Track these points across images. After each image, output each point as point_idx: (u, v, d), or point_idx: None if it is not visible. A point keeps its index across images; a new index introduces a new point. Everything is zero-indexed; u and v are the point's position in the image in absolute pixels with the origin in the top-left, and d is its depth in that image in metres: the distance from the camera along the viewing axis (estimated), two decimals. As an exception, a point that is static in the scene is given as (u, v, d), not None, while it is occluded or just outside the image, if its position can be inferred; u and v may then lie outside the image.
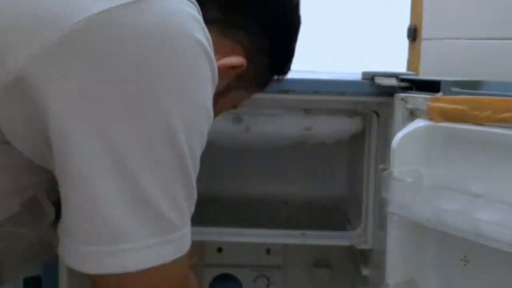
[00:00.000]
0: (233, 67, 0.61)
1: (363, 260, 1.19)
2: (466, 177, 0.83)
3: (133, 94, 0.44)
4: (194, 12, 0.49)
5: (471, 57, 1.19)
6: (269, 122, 1.10)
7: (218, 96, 0.61)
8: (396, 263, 0.89)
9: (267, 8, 0.65)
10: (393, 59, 1.52)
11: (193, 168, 0.49)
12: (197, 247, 0.97)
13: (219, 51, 0.56)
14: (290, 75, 1.03)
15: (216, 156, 1.44)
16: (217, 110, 0.64)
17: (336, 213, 1.29)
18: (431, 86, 0.88)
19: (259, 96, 0.98)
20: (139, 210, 0.45)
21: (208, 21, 0.54)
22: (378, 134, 1.08)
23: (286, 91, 0.97)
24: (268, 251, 1.38)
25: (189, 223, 0.51)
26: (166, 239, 0.47)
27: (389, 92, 0.94)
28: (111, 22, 0.44)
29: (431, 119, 0.85)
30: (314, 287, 1.40)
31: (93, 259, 0.47)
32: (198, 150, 0.50)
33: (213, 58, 0.50)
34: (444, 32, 1.25)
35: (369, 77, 0.96)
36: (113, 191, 0.44)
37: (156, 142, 0.45)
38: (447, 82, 0.87)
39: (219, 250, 1.37)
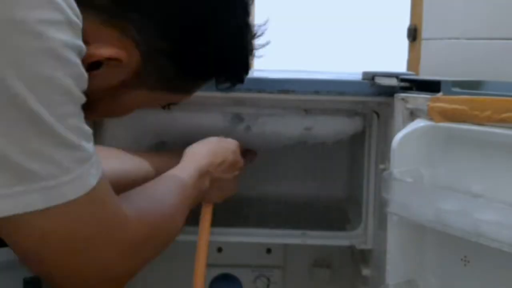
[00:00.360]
0: (113, 59, 0.58)
1: (363, 260, 1.19)
2: (466, 177, 0.83)
3: None
4: None
5: (471, 57, 1.19)
6: (270, 122, 1.10)
7: (112, 91, 0.61)
8: (396, 263, 0.89)
9: (161, 5, 0.60)
10: (393, 59, 1.52)
11: (52, 114, 0.48)
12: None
13: (102, 40, 0.56)
14: (290, 75, 1.03)
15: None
16: (120, 107, 0.65)
17: (336, 213, 1.29)
18: (431, 86, 0.88)
19: (259, 96, 0.99)
20: None
21: (94, 5, 0.54)
22: (378, 134, 1.08)
23: (286, 91, 0.97)
24: (268, 251, 1.38)
25: (74, 169, 0.51)
26: (30, 188, 0.48)
27: (389, 92, 0.94)
28: None
29: (431, 119, 0.85)
30: (314, 287, 1.40)
31: None
32: (53, 93, 0.49)
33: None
34: (444, 32, 1.25)
35: (369, 77, 0.96)
36: None
37: None
38: (447, 82, 0.87)
39: (219, 250, 1.37)
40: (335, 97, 0.98)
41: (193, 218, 1.23)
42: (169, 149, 1.10)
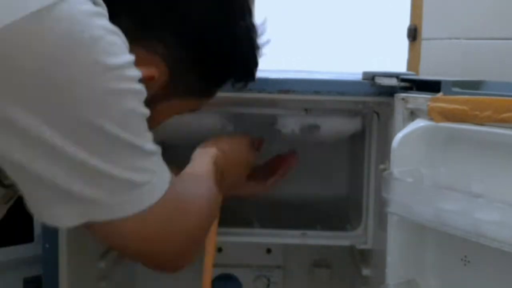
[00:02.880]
0: (146, 78, 0.61)
1: (363, 260, 1.19)
2: (466, 177, 0.83)
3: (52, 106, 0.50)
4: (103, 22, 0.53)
5: (471, 57, 1.19)
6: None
7: (147, 105, 0.64)
8: (396, 263, 0.89)
9: (178, 17, 0.65)
10: (393, 59, 1.52)
11: (128, 131, 0.54)
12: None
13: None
14: (290, 75, 1.03)
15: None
16: (153, 120, 0.67)
17: (336, 213, 1.29)
18: (431, 86, 0.88)
19: (259, 96, 0.99)
20: (93, 180, 0.53)
21: (122, 30, 0.56)
22: (378, 134, 1.08)
23: (286, 91, 0.97)
24: (268, 251, 1.38)
25: (156, 168, 0.58)
26: (132, 193, 0.55)
27: (390, 92, 0.94)
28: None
29: (431, 119, 0.85)
30: (314, 287, 1.40)
31: (67, 217, 0.54)
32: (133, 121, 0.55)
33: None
34: (444, 32, 1.25)
35: (370, 77, 0.96)
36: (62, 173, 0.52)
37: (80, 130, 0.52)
38: (447, 82, 0.87)
39: (219, 250, 1.37)
40: (335, 97, 0.98)
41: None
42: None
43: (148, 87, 0.60)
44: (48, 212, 0.54)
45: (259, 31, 0.75)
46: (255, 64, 0.77)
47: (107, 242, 0.59)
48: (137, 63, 0.57)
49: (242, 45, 0.72)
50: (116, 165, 0.53)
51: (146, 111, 0.57)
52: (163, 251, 0.61)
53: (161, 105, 0.69)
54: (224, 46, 0.69)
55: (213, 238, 0.97)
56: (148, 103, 0.61)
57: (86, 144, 0.52)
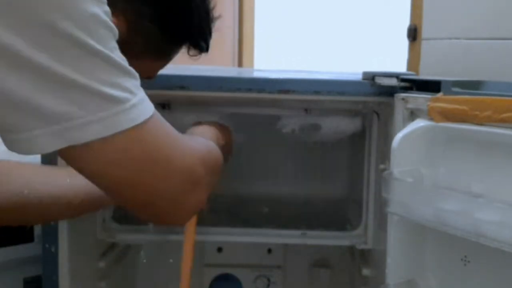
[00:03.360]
0: None
1: (363, 260, 1.19)
2: (467, 177, 0.83)
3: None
4: None
5: (471, 57, 1.20)
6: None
7: None
8: (396, 263, 0.89)
9: None
10: (393, 59, 1.53)
11: (106, 47, 0.51)
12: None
13: None
14: (290, 75, 1.03)
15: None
16: None
17: (336, 213, 1.29)
18: (431, 86, 0.88)
19: (259, 96, 0.99)
20: (62, 92, 0.49)
21: None
22: (379, 134, 1.08)
23: (286, 91, 0.97)
24: (268, 251, 1.38)
25: (139, 93, 0.53)
26: (114, 111, 0.50)
27: (390, 92, 0.94)
28: None
29: (431, 119, 0.85)
30: (314, 287, 1.40)
31: (41, 140, 0.50)
32: (100, 28, 0.51)
33: None
34: (444, 32, 1.25)
35: (370, 77, 0.96)
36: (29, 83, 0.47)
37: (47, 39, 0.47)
38: (447, 82, 0.87)
39: (219, 250, 1.38)
40: (335, 97, 0.98)
41: (197, 217, 1.23)
42: None
43: None
44: (21, 138, 0.50)
45: (211, 4, 0.78)
46: (209, 32, 0.79)
47: (86, 172, 0.54)
48: None
49: (201, 12, 0.75)
50: (86, 75, 0.49)
51: (114, 28, 0.53)
52: (152, 187, 0.56)
53: None
54: (184, 9, 0.72)
55: (191, 238, 0.96)
56: None
57: (50, 49, 0.47)
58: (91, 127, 0.50)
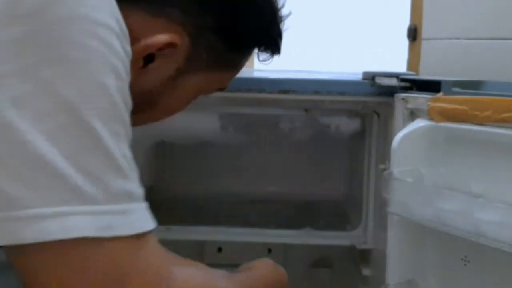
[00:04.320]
0: (168, 45, 0.58)
1: (363, 260, 1.19)
2: (467, 177, 0.83)
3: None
4: None
5: (471, 57, 1.19)
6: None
7: (171, 81, 0.61)
8: (396, 263, 0.89)
9: None
10: (393, 59, 1.53)
11: (110, 137, 0.44)
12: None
13: (148, 32, 0.56)
14: (290, 75, 1.03)
15: (216, 156, 1.44)
16: (180, 97, 0.65)
17: (336, 213, 1.29)
18: (431, 86, 0.88)
19: (259, 96, 0.99)
20: (32, 172, 0.41)
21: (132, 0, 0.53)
22: (378, 134, 1.08)
23: (286, 91, 0.97)
24: (268, 251, 1.38)
25: (123, 202, 0.45)
26: (77, 209, 0.42)
27: (390, 92, 0.94)
28: None
29: (431, 119, 0.85)
30: (314, 287, 1.40)
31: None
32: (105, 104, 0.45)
33: (122, 42, 0.48)
34: (444, 32, 1.25)
35: (370, 77, 0.96)
36: None
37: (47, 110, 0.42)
38: (447, 82, 0.87)
39: (219, 250, 1.37)
40: (335, 97, 0.98)
41: (193, 218, 1.23)
42: None
43: (170, 60, 0.58)
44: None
45: (280, 2, 0.72)
46: (278, 33, 0.73)
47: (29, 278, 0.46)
48: (157, 32, 0.55)
49: (266, 14, 0.69)
50: (69, 159, 0.42)
51: (128, 100, 0.48)
52: None
53: (186, 80, 0.64)
54: (247, 14, 0.67)
55: None
56: (173, 78, 0.60)
57: (37, 118, 0.41)
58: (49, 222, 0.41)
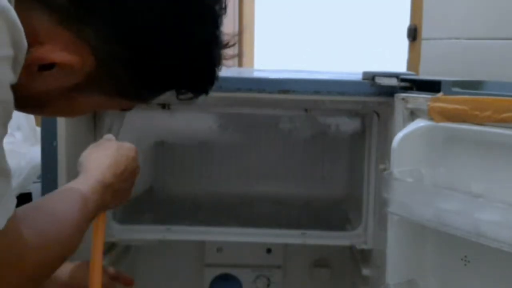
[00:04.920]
0: (65, 65, 0.55)
1: (363, 260, 1.19)
2: (467, 177, 0.83)
3: None
4: None
5: (471, 57, 1.20)
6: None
7: (66, 92, 0.59)
8: (396, 263, 0.89)
9: (123, 11, 0.56)
10: (393, 59, 1.53)
11: None
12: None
13: (56, 42, 0.54)
14: (290, 75, 1.03)
15: (216, 156, 1.44)
16: (73, 108, 0.63)
17: (336, 213, 1.29)
18: (431, 86, 0.88)
19: (259, 96, 0.99)
20: None
21: (51, 4, 0.52)
22: (378, 134, 1.08)
23: (286, 91, 0.97)
24: (268, 251, 1.38)
25: None
26: None
27: (390, 92, 0.94)
28: None
29: (431, 119, 0.85)
30: (314, 287, 1.41)
31: None
32: None
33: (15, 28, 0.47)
34: (444, 32, 1.25)
35: (370, 77, 0.96)
36: None
37: None
38: (447, 82, 0.87)
39: (219, 250, 1.38)
40: (335, 97, 0.98)
41: (193, 218, 1.23)
42: None
43: (69, 74, 0.56)
44: None
45: (226, 42, 0.65)
46: (209, 79, 0.66)
47: None
48: (62, 48, 0.53)
49: (194, 58, 0.62)
50: None
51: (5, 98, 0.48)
52: None
53: (83, 96, 0.61)
54: (170, 56, 0.60)
55: (100, 244, 0.87)
56: (68, 89, 0.58)
57: None
58: None
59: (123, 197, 0.84)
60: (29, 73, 0.52)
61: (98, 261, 0.85)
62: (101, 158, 0.80)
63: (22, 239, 0.56)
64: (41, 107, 0.57)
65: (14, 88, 0.49)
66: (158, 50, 0.59)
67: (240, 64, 2.29)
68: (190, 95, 0.66)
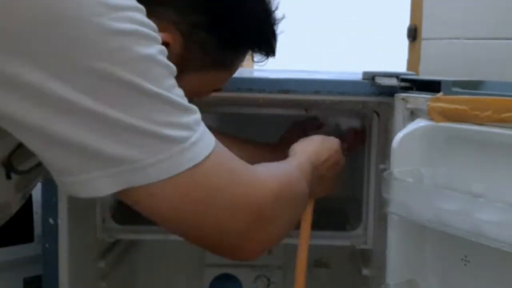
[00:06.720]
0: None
1: (363, 260, 1.19)
2: (467, 177, 0.83)
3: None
4: None
5: (471, 57, 1.20)
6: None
7: None
8: (396, 263, 0.89)
9: None
10: (393, 59, 1.53)
11: (150, 80, 0.50)
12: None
13: None
14: (290, 75, 1.03)
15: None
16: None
17: (336, 213, 1.29)
18: (431, 86, 0.88)
19: (259, 96, 0.99)
20: (121, 136, 0.48)
21: None
22: (379, 134, 1.08)
23: (286, 91, 0.97)
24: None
25: (195, 128, 0.52)
26: (173, 152, 0.50)
27: (390, 92, 0.94)
28: None
29: (431, 119, 0.85)
30: (314, 287, 1.40)
31: (99, 182, 0.49)
32: (155, 69, 0.51)
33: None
34: (444, 32, 1.25)
35: (370, 77, 0.96)
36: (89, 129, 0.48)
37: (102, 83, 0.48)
38: (447, 82, 0.87)
39: (219, 250, 1.37)
40: (335, 97, 0.98)
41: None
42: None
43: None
44: (79, 182, 0.49)
45: (274, 4, 0.74)
46: (272, 34, 0.74)
47: (149, 214, 0.53)
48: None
49: (260, 15, 0.71)
50: (143, 118, 0.48)
51: (171, 65, 0.53)
52: (217, 227, 0.54)
53: (179, 81, 0.64)
54: (241, 14, 0.68)
55: (307, 232, 0.94)
56: None
57: (103, 96, 0.47)
58: (150, 170, 0.49)
59: (329, 187, 0.92)
60: None
61: (303, 253, 0.96)
62: (308, 145, 0.87)
63: (248, 167, 0.58)
64: None
65: None
66: (231, 11, 0.67)
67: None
68: (262, 56, 0.75)
